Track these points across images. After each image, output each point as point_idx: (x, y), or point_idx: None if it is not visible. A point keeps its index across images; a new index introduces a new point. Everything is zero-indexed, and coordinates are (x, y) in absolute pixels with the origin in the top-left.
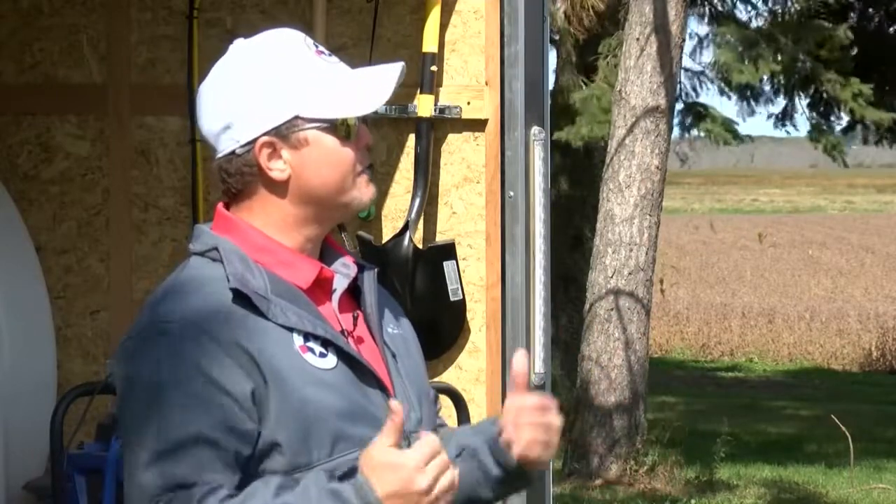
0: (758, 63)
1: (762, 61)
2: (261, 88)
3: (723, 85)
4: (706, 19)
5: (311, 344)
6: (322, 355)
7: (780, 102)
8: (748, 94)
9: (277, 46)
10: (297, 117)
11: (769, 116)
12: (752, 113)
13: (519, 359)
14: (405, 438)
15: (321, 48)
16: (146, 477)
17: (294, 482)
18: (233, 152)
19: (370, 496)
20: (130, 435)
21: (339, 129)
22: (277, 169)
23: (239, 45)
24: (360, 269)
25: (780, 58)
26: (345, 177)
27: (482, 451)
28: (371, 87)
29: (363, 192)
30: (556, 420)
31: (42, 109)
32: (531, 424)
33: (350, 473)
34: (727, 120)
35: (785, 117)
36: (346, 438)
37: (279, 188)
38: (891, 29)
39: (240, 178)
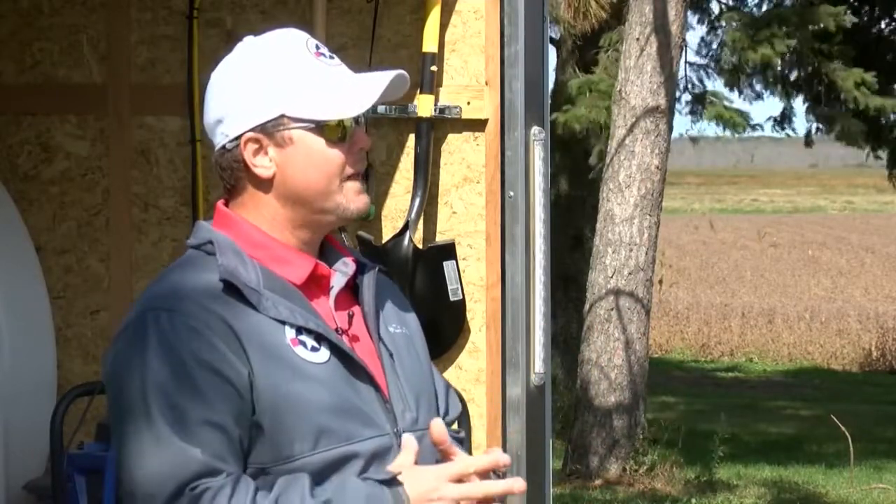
0: (773, 41)
1: (776, 39)
2: (252, 85)
3: (728, 75)
4: (707, 19)
5: (303, 338)
6: (314, 349)
7: (777, 103)
8: (762, 75)
9: (276, 45)
10: (283, 116)
11: (768, 119)
12: (759, 97)
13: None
14: (397, 436)
15: (323, 50)
16: (164, 458)
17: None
18: (223, 146)
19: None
20: (130, 427)
21: (328, 131)
22: (262, 166)
23: (245, 43)
24: (361, 267)
25: (779, 40)
26: (329, 179)
27: None
28: (360, 92)
29: (350, 199)
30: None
31: (42, 109)
32: None
33: (335, 466)
34: (737, 109)
35: (784, 120)
36: (331, 433)
37: (265, 186)
38: (887, 28)
39: (230, 174)
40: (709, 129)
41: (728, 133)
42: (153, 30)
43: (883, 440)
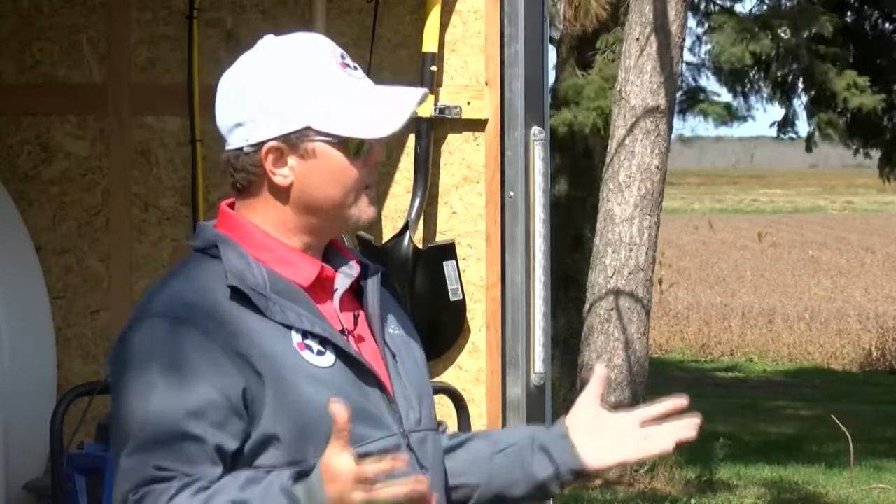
0: (749, 44)
1: (753, 41)
2: (278, 92)
3: (719, 75)
4: (702, 17)
5: (308, 342)
6: (320, 353)
7: (776, 103)
8: (741, 81)
9: (303, 53)
10: (308, 128)
11: (771, 125)
12: (749, 109)
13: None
14: (404, 437)
15: (348, 61)
16: (128, 465)
17: (262, 476)
18: (241, 149)
19: (319, 498)
20: (118, 425)
21: (349, 145)
22: (281, 174)
23: (268, 44)
24: (364, 269)
25: (773, 40)
26: (346, 193)
27: (555, 446)
28: (388, 111)
29: (363, 210)
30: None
31: (42, 109)
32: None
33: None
34: (725, 103)
35: (786, 124)
36: None
37: (281, 193)
38: (888, 25)
39: (245, 176)
40: (699, 126)
41: (724, 128)
42: (153, 30)
43: (883, 440)
